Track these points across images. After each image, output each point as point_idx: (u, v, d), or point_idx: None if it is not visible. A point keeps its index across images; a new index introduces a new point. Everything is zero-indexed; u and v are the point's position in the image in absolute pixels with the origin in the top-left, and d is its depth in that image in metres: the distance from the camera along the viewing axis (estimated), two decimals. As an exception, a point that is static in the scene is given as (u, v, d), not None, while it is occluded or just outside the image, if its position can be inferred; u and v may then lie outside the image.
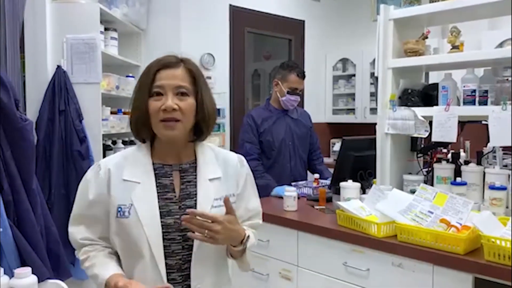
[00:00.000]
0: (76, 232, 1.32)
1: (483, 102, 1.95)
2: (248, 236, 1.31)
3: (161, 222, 1.24)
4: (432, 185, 2.12)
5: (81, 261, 1.32)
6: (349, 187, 2.19)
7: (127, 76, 3.51)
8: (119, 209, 1.25)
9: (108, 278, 1.22)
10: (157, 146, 1.32)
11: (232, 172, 1.37)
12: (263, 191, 2.77)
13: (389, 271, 1.80)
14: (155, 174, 1.29)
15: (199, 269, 1.27)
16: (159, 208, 1.25)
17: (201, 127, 1.31)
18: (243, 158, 1.43)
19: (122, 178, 1.27)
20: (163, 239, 1.24)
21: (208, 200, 1.28)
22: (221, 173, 1.34)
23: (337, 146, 4.83)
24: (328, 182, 2.75)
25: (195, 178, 1.31)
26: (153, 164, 1.30)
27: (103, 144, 3.06)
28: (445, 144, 2.34)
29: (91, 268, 1.28)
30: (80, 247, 1.33)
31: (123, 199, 1.25)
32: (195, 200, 1.29)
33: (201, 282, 1.27)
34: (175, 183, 1.30)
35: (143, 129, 1.29)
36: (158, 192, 1.27)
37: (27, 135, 2.04)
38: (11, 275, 1.40)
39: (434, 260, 1.67)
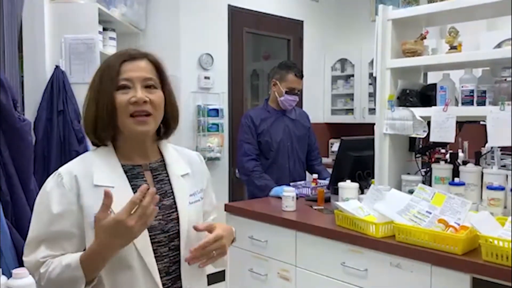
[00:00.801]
0: (38, 253, 1.16)
1: (481, 103, 1.96)
2: (235, 232, 1.31)
3: None
4: (430, 185, 2.12)
5: (42, 274, 1.14)
6: (348, 187, 2.19)
7: (125, 77, 3.51)
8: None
9: (81, 255, 1.11)
10: (122, 146, 1.23)
11: (197, 168, 1.36)
12: (262, 192, 2.78)
13: (387, 271, 1.80)
14: (127, 176, 1.21)
15: (189, 270, 1.23)
16: None
17: (170, 122, 1.27)
18: (200, 154, 1.43)
19: (93, 184, 1.16)
20: (151, 243, 1.17)
21: (184, 196, 1.26)
22: (189, 169, 1.32)
23: (335, 146, 4.83)
24: (326, 182, 2.75)
25: (167, 176, 1.28)
26: (122, 165, 1.22)
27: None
28: (443, 145, 2.34)
29: (58, 266, 1.12)
30: (41, 265, 1.15)
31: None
32: (173, 198, 1.25)
33: (191, 282, 1.25)
34: (149, 183, 1.24)
35: (105, 128, 1.18)
36: None
37: (25, 136, 2.04)
38: (9, 275, 1.40)
39: (432, 260, 1.67)
